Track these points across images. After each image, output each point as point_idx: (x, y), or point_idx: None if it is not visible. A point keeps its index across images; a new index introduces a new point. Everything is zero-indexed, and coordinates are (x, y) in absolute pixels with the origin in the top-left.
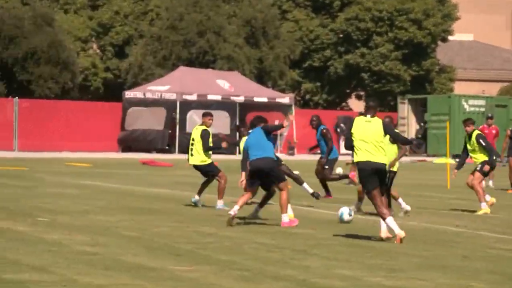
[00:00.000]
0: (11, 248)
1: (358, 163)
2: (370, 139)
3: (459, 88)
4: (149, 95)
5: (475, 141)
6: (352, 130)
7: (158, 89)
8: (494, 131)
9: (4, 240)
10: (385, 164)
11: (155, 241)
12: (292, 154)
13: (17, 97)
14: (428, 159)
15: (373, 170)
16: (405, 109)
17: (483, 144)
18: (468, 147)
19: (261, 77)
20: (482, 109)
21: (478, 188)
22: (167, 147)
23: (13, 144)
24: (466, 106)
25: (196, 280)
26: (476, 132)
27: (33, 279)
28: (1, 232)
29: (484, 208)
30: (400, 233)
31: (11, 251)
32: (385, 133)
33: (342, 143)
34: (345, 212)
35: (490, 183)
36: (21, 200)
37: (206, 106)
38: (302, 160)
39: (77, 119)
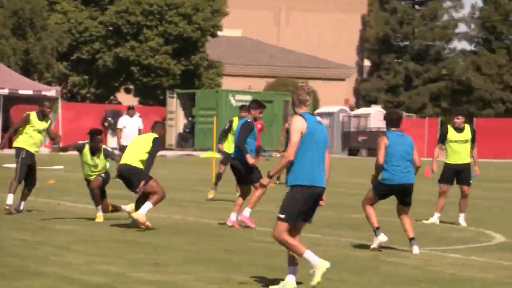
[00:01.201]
0: None
1: None
2: None
3: (226, 83)
4: None
5: None
6: None
7: None
8: (259, 126)
9: None
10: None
11: None
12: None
13: None
14: (195, 153)
15: None
16: (173, 103)
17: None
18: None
19: (27, 69)
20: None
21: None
22: None
23: None
24: (233, 101)
25: None
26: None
27: None
28: None
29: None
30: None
31: None
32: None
33: (110, 137)
34: None
35: None
36: None
37: None
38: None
39: None
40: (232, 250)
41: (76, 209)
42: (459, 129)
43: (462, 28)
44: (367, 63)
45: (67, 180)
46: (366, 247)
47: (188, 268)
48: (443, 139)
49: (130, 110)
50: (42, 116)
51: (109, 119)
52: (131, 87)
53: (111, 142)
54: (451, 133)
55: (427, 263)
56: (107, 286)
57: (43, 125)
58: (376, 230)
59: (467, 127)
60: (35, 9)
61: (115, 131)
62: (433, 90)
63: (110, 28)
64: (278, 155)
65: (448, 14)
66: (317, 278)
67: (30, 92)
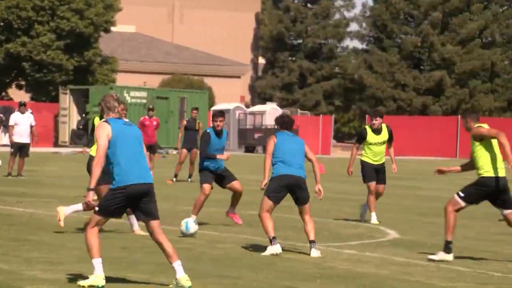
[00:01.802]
0: None
1: None
2: None
3: (121, 79)
4: None
5: None
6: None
7: None
8: (155, 123)
9: None
10: None
11: None
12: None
13: None
14: (89, 150)
15: None
16: (66, 99)
17: None
18: None
19: None
20: (144, 101)
21: None
22: None
23: None
24: (128, 98)
25: None
26: None
27: None
28: None
29: None
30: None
31: None
32: None
33: (1, 134)
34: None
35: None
36: None
37: None
38: None
39: None
40: (129, 248)
41: None
42: (377, 131)
43: (354, 27)
44: (261, 60)
45: None
46: (263, 243)
47: (83, 266)
48: (360, 140)
49: (22, 107)
50: None
51: (1, 115)
52: (23, 83)
53: (2, 139)
54: (370, 135)
55: (323, 259)
56: (1, 284)
57: None
58: (272, 240)
59: (384, 128)
60: None
61: (7, 127)
62: (326, 88)
63: (1, 24)
64: (175, 152)
65: (340, 13)
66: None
67: None
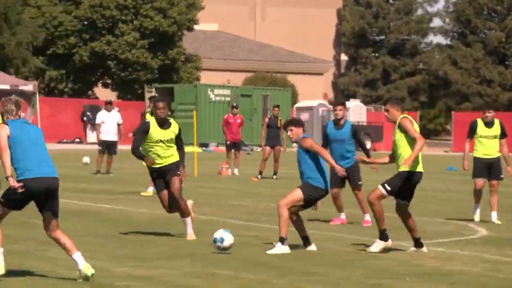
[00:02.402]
0: None
1: None
2: None
3: (205, 77)
4: None
5: None
6: None
7: None
8: (239, 120)
9: None
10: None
11: None
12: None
13: None
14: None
15: None
16: None
17: None
18: None
19: (3, 64)
20: (228, 99)
21: None
22: None
23: None
24: (212, 96)
25: None
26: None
27: None
28: None
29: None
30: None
31: None
32: None
33: (89, 132)
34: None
35: (236, 171)
36: None
37: None
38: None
39: None
40: None
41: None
42: (489, 124)
43: (437, 22)
44: (344, 57)
45: None
46: (349, 240)
47: (173, 263)
48: (471, 133)
49: (108, 105)
50: None
51: (88, 113)
52: (109, 81)
53: (90, 137)
54: (481, 128)
55: (411, 256)
56: (92, 280)
57: None
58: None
59: (496, 122)
60: (9, 4)
61: (95, 126)
62: (410, 84)
63: (85, 23)
64: (259, 149)
65: (423, 9)
66: None
67: (7, 87)
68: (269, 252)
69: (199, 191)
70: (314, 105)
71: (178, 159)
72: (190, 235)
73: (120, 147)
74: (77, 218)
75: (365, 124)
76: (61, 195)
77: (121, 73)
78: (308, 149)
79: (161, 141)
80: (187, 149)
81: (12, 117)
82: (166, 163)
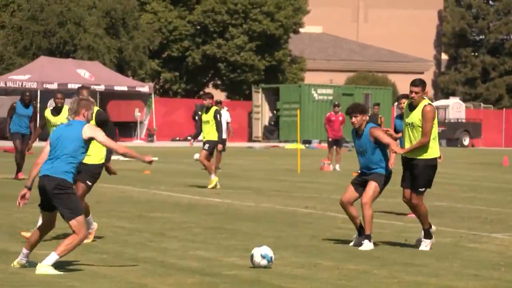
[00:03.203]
0: None
1: None
2: None
3: (309, 77)
4: (10, 84)
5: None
6: None
7: (19, 78)
8: (341, 118)
9: None
10: None
11: (17, 226)
12: (152, 141)
13: None
14: (280, 144)
15: None
16: (259, 97)
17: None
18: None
19: (121, 67)
20: (330, 98)
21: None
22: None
23: None
24: (315, 95)
25: (58, 262)
26: (214, 108)
27: None
28: None
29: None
30: None
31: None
32: None
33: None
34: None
35: (337, 166)
36: None
37: (66, 95)
38: (161, 147)
39: None
40: (318, 236)
41: (171, 198)
42: None
43: None
44: (444, 56)
45: (161, 171)
46: (446, 233)
47: (277, 253)
48: None
49: (218, 105)
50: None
51: (199, 113)
52: (219, 82)
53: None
54: None
55: (508, 248)
56: (201, 270)
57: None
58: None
59: None
60: (127, 10)
61: None
62: (509, 82)
63: (198, 27)
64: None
65: None
66: None
67: (125, 88)
68: (361, 249)
69: (302, 186)
70: None
71: None
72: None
73: (228, 144)
74: (188, 211)
75: (464, 121)
76: (173, 190)
77: (230, 74)
78: (376, 138)
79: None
80: (292, 146)
81: (71, 117)
82: None
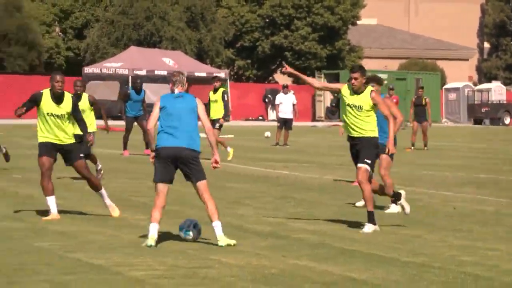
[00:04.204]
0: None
1: None
2: None
3: (365, 64)
4: (104, 71)
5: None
6: None
7: (112, 65)
8: (395, 100)
9: None
10: None
11: (114, 195)
12: (228, 120)
13: None
14: (341, 123)
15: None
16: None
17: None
18: None
19: (201, 56)
20: (385, 82)
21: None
22: (119, 115)
23: None
24: None
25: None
26: (222, 89)
27: (11, 227)
28: None
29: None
30: None
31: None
32: None
33: (270, 112)
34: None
35: None
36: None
37: (153, 80)
38: (236, 126)
39: None
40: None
41: (245, 171)
42: None
43: None
44: (486, 45)
45: (235, 147)
46: (489, 202)
47: (339, 219)
48: None
49: (285, 88)
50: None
51: (269, 96)
52: None
53: (270, 115)
54: None
55: None
56: (273, 234)
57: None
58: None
59: None
60: (205, 5)
61: (274, 106)
62: None
63: (267, 20)
64: (410, 124)
65: None
66: None
67: (204, 74)
68: (386, 212)
69: None
70: (460, 86)
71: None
72: (110, 205)
73: (294, 123)
74: (260, 182)
75: (505, 102)
76: (247, 163)
77: (295, 61)
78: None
79: (52, 115)
80: None
81: (178, 88)
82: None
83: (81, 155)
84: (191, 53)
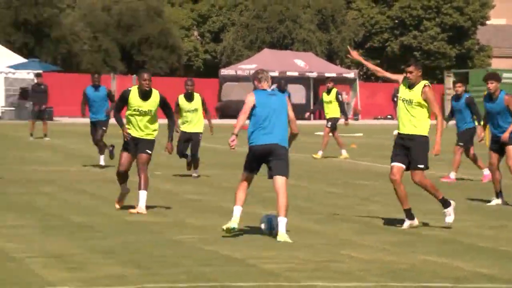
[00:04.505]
0: (133, 194)
1: None
2: None
3: (495, 63)
4: (239, 72)
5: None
6: None
7: (246, 67)
8: None
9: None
10: None
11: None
12: (357, 119)
13: (134, 75)
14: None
15: None
16: (450, 81)
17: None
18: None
19: (331, 56)
20: None
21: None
22: None
23: None
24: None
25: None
26: (335, 89)
27: (152, 221)
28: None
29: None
30: None
31: (132, 199)
32: None
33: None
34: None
35: None
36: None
37: (286, 81)
38: (365, 125)
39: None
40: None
41: (376, 168)
42: None
43: None
44: None
45: (365, 145)
46: None
47: (468, 217)
48: None
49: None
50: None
51: (398, 95)
52: None
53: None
54: None
55: None
56: (402, 230)
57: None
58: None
59: None
60: (335, 8)
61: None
62: None
63: (396, 21)
64: None
65: None
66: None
67: (333, 74)
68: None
69: None
70: None
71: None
72: (140, 208)
73: None
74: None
75: None
76: (377, 161)
77: (424, 61)
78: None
79: (138, 110)
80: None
81: (269, 87)
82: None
83: (148, 151)
84: (322, 54)
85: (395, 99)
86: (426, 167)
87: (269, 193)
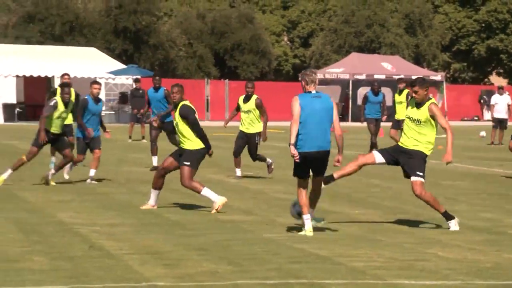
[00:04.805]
0: (224, 194)
1: None
2: None
3: None
4: (328, 76)
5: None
6: None
7: (334, 71)
8: None
9: (220, 188)
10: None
11: (335, 190)
12: None
13: (227, 80)
14: None
15: None
16: None
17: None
18: None
19: (418, 60)
20: None
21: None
22: (340, 116)
23: (224, 115)
24: None
25: (365, 220)
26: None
27: (242, 220)
28: (217, 183)
29: None
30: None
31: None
32: None
33: (485, 112)
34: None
35: None
36: (227, 158)
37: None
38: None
39: (274, 97)
40: None
41: (462, 169)
42: None
43: None
44: None
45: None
46: None
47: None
48: None
49: (501, 90)
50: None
51: (484, 97)
52: (501, 71)
53: (486, 115)
54: None
55: None
56: (487, 229)
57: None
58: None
59: None
60: (423, 12)
61: (489, 106)
62: None
63: (483, 25)
64: None
65: None
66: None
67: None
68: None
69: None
70: None
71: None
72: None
73: (509, 123)
74: (476, 180)
75: None
76: (463, 162)
77: (510, 63)
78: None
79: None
80: None
81: (314, 89)
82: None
83: (186, 163)
84: (409, 58)
85: (482, 100)
86: (423, 177)
87: (356, 193)
